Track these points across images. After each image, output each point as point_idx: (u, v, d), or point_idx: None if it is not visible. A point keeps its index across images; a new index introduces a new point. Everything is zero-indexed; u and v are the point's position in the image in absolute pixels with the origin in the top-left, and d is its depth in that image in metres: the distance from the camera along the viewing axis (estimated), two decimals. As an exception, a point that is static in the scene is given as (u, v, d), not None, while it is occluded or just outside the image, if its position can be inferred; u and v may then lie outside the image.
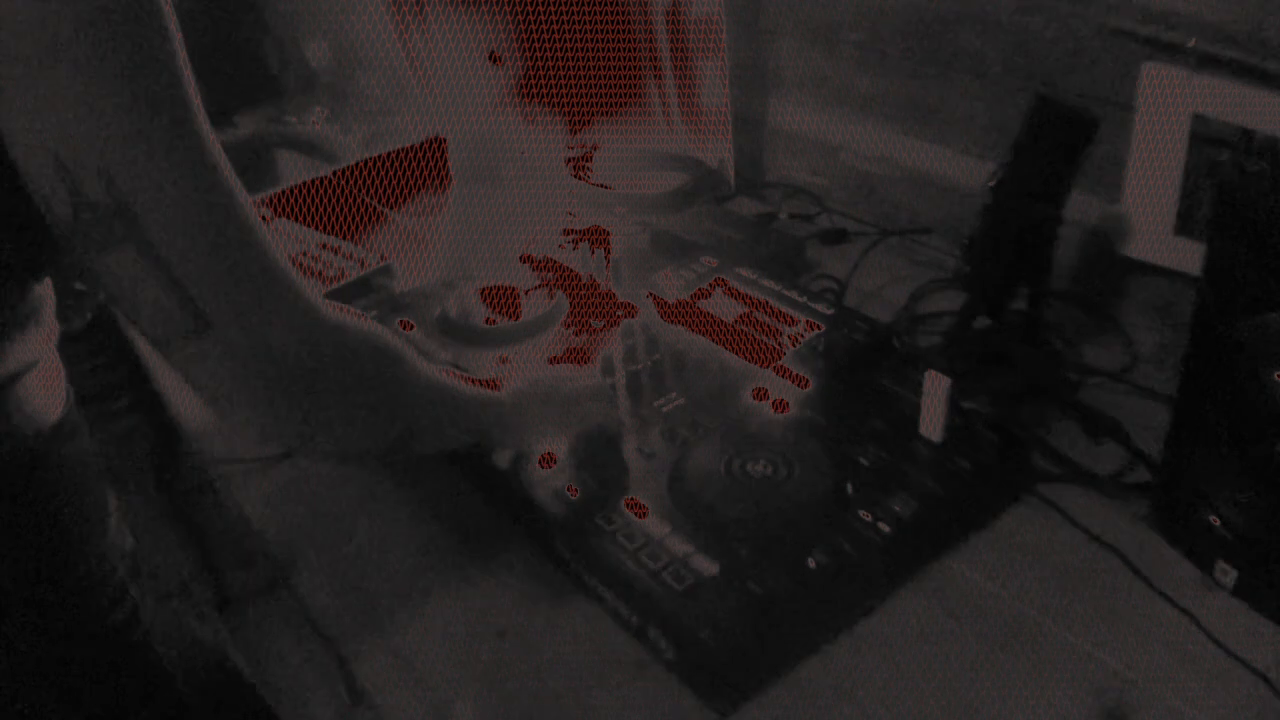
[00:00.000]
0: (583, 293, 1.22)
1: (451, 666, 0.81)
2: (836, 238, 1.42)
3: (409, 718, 0.78)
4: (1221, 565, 0.79)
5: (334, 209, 1.68)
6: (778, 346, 1.06)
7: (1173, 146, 1.06)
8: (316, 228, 1.57)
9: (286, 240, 1.51)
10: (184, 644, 1.01)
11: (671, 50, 1.62)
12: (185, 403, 1.21)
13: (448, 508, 0.98)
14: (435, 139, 1.85)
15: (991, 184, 1.00)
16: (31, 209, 0.61)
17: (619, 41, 1.66)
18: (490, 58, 1.66)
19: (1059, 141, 0.98)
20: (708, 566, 0.79)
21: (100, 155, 0.58)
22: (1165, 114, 1.05)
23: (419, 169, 1.83)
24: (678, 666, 0.76)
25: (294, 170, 2.54)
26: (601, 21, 1.64)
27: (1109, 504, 0.89)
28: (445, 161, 1.79)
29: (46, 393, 0.77)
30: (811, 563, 0.78)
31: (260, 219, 0.67)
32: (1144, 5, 1.05)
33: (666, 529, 0.83)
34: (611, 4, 1.63)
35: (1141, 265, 1.12)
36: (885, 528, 0.81)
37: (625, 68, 1.68)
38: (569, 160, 1.68)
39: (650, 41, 1.64)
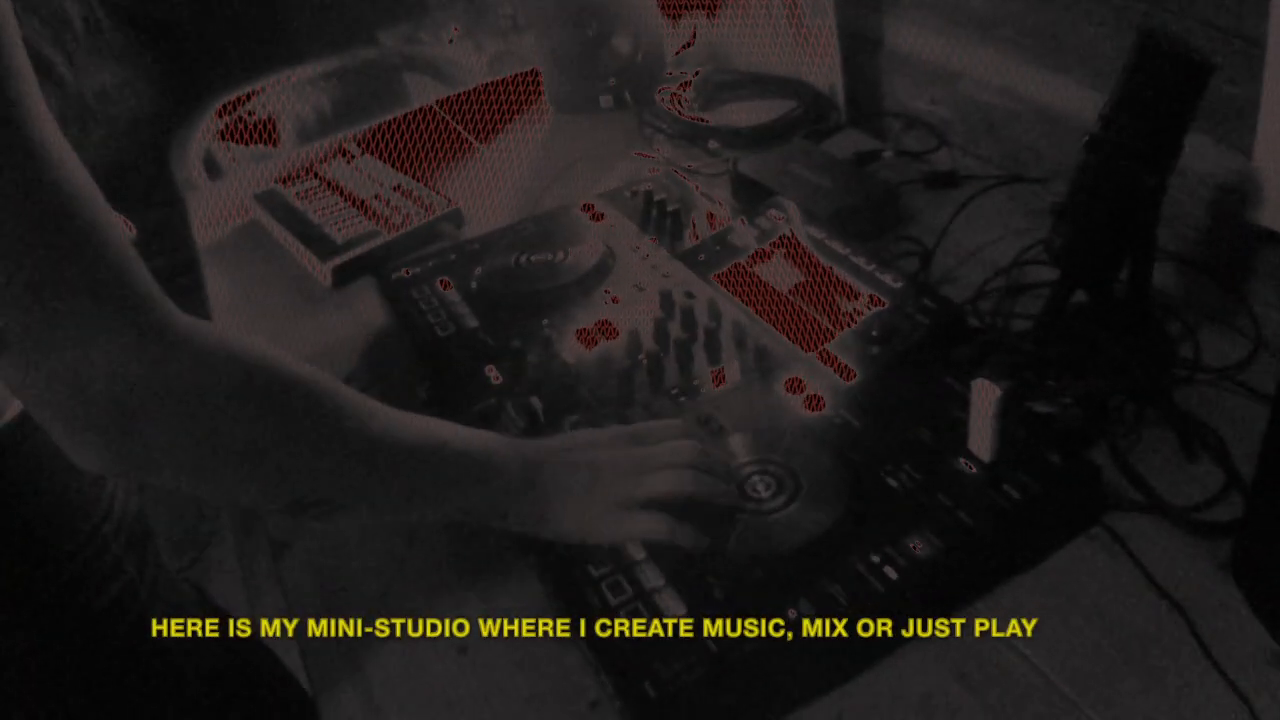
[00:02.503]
0: (635, 251, 1.10)
1: (403, 677, 0.74)
2: (944, 181, 1.24)
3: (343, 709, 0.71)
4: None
5: (422, 142, 1.61)
6: (829, 327, 0.92)
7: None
8: (398, 165, 1.50)
9: (364, 180, 1.44)
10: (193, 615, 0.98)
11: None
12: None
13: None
14: (534, 70, 1.74)
15: (1086, 139, 0.82)
16: None
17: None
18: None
19: (1166, 89, 0.78)
20: (674, 606, 0.68)
21: None
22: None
23: (518, 97, 1.73)
24: (624, 715, 0.66)
25: (423, 93, 2.48)
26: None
27: (1189, 542, 0.72)
28: (541, 90, 1.69)
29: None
30: (792, 613, 0.65)
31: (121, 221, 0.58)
32: None
33: (642, 554, 0.72)
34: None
35: (1274, 237, 0.91)
36: (891, 574, 0.67)
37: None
38: (663, 87, 1.54)
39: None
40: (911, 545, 0.69)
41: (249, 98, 2.36)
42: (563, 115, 1.65)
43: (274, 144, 2.38)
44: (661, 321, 0.96)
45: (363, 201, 1.39)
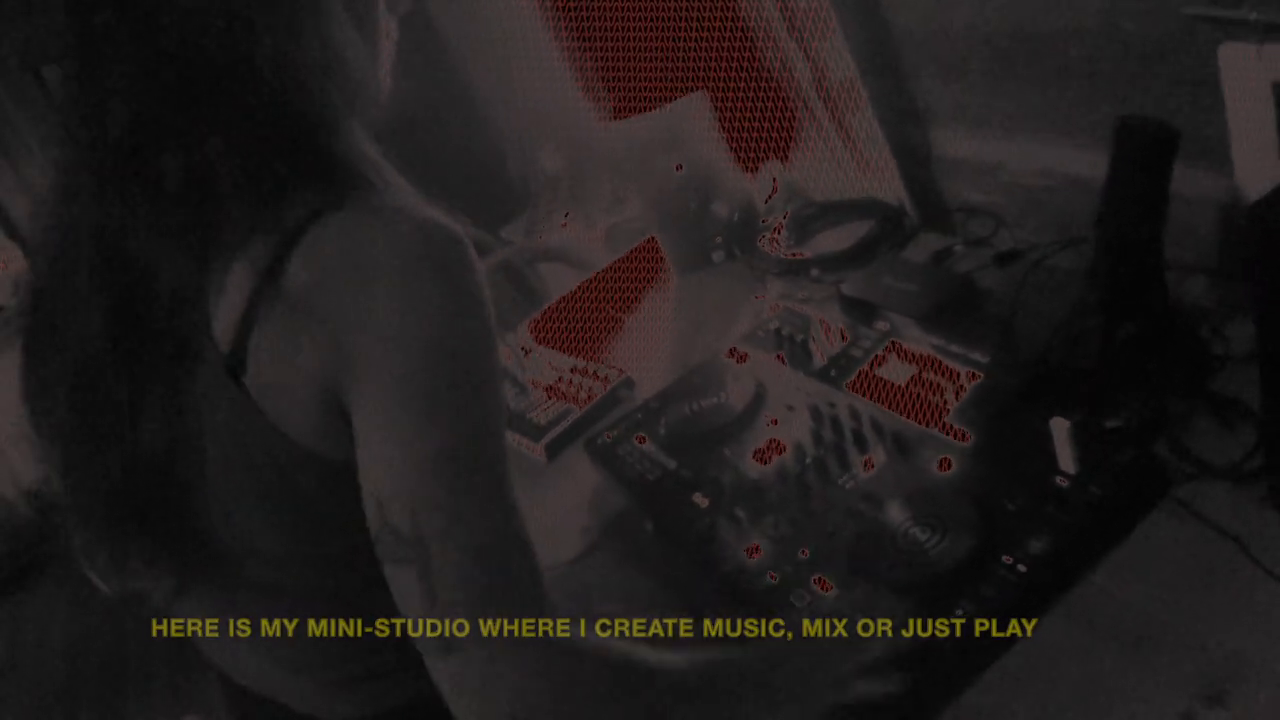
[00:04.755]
0: (780, 380, 1.41)
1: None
2: (1009, 258, 1.53)
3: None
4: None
5: (580, 324, 1.96)
6: (943, 404, 1.21)
7: (1263, 116, 1.12)
8: (566, 350, 1.84)
9: (546, 368, 1.79)
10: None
11: (826, 109, 1.78)
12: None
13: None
14: (651, 238, 2.09)
15: (1097, 215, 1.11)
16: None
17: (778, 109, 1.85)
18: (675, 168, 1.87)
19: (1148, 157, 1.07)
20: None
21: (414, 497, 0.71)
22: (1248, 87, 1.13)
23: (645, 267, 2.08)
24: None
25: (553, 282, 2.87)
26: (759, 98, 1.84)
27: (1236, 491, 0.99)
28: (661, 257, 2.03)
29: None
30: (958, 612, 0.94)
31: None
32: None
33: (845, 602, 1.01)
34: (769, 86, 1.82)
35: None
36: (1023, 568, 0.95)
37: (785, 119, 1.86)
38: (761, 235, 1.87)
39: (806, 105, 1.81)
40: (1032, 545, 0.97)
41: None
42: (684, 276, 1.98)
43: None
44: (815, 431, 1.27)
45: (551, 386, 1.73)
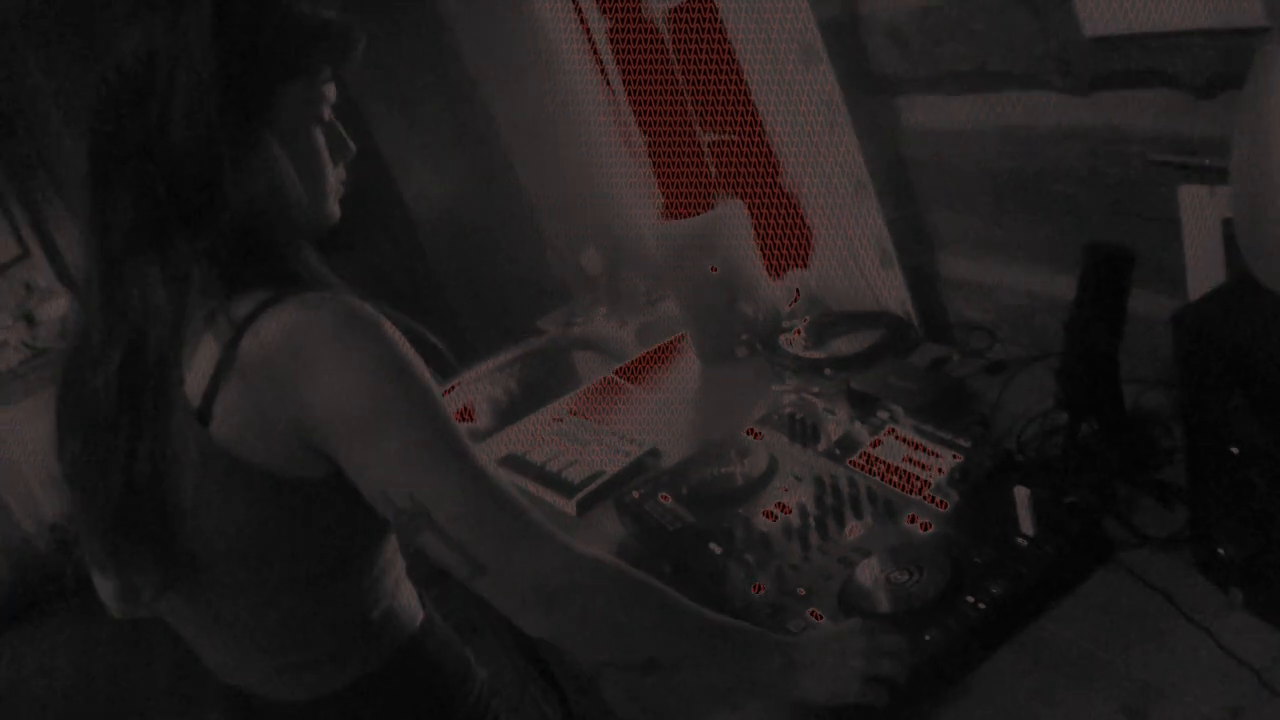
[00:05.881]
0: (790, 455, 1.62)
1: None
2: (998, 368, 1.74)
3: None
4: (1233, 590, 1.08)
5: (614, 402, 2.17)
6: (928, 479, 1.41)
7: (1214, 247, 1.34)
8: (600, 421, 2.05)
9: (580, 434, 2.00)
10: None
11: (846, 229, 2.02)
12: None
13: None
14: (682, 334, 2.32)
15: (1066, 324, 1.32)
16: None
17: (803, 225, 2.09)
18: (710, 269, 2.11)
19: (1109, 275, 1.28)
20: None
21: (405, 482, 0.98)
22: (1202, 222, 1.35)
23: (673, 359, 2.30)
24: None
25: (589, 366, 3.10)
26: (788, 214, 2.08)
27: (1168, 556, 1.18)
28: (689, 349, 2.25)
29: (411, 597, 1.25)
30: (926, 637, 1.12)
31: (514, 485, 1.07)
32: (1175, 138, 1.36)
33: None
34: (796, 204, 2.06)
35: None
36: (983, 607, 1.14)
37: (808, 234, 2.10)
38: (782, 335, 2.09)
39: (829, 223, 2.05)
40: (992, 589, 1.16)
41: (448, 392, 2.99)
42: (709, 367, 2.20)
43: (471, 421, 2.98)
44: (818, 496, 1.47)
45: (583, 451, 1.94)
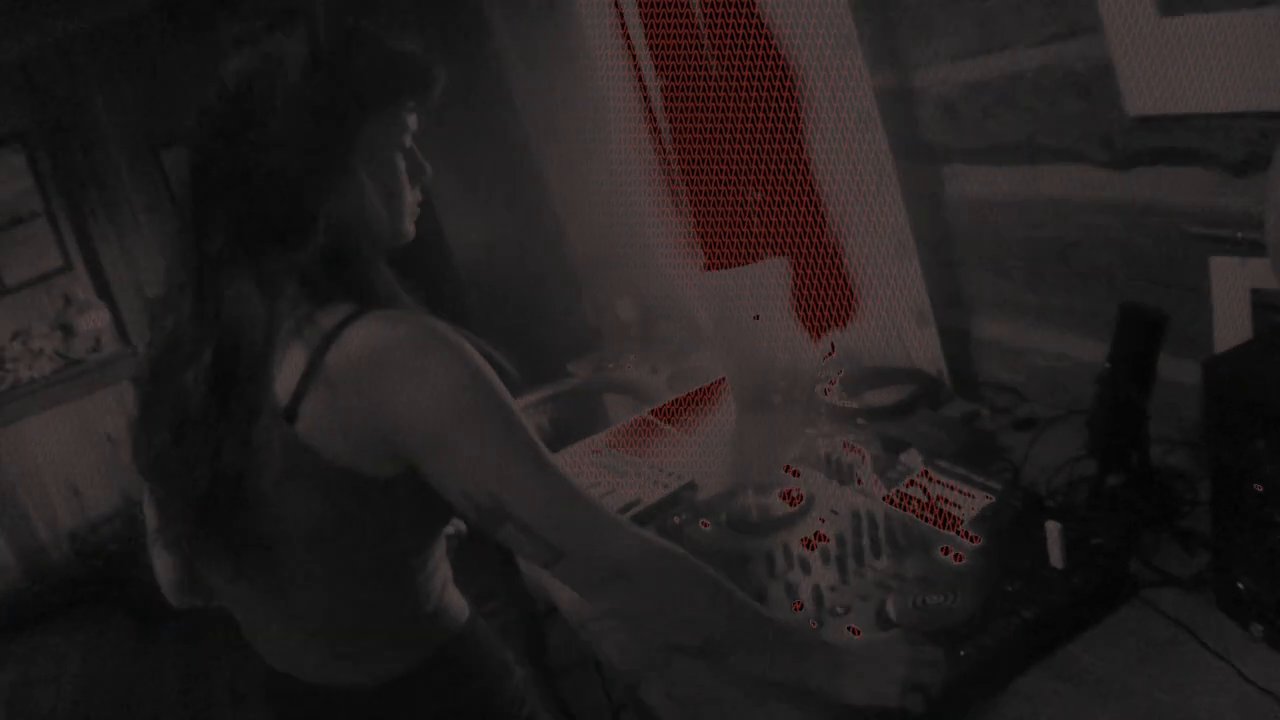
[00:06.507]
0: (827, 491, 1.71)
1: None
2: (1026, 424, 1.84)
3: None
4: (1254, 624, 1.16)
5: (657, 441, 2.26)
6: (961, 516, 1.50)
7: (1242, 315, 1.44)
8: (639, 455, 2.14)
9: (620, 464, 2.08)
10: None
11: (886, 289, 2.13)
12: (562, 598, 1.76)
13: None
14: (719, 380, 2.42)
15: (1098, 375, 1.42)
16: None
17: (844, 283, 2.20)
18: (753, 317, 2.22)
19: (1142, 333, 1.38)
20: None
21: (486, 483, 1.07)
22: (1231, 291, 1.45)
23: (709, 400, 2.40)
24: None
25: (619, 409, 3.19)
26: (830, 271, 2.19)
27: (1191, 596, 1.27)
28: (727, 395, 2.35)
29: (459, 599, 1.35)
30: (961, 653, 1.21)
31: (578, 479, 1.13)
32: (1209, 212, 1.46)
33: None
34: (837, 261, 2.17)
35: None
36: (1014, 626, 1.23)
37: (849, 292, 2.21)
38: (819, 384, 2.19)
39: (868, 283, 2.16)
40: (1023, 613, 1.25)
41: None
42: (746, 412, 2.30)
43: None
44: (855, 528, 1.55)
45: (620, 482, 2.02)
